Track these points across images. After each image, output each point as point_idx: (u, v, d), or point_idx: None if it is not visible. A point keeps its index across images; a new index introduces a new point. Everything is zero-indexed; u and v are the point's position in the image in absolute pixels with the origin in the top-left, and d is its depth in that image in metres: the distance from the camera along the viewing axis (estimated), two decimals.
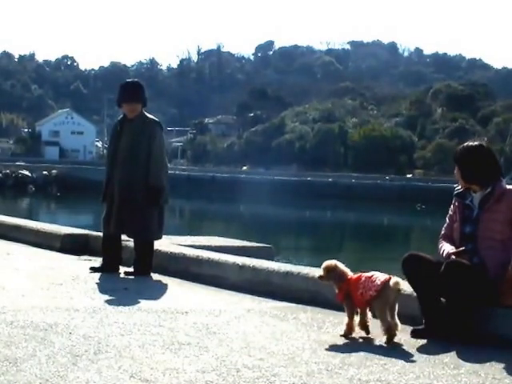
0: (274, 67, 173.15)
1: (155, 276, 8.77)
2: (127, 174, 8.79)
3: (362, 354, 5.52)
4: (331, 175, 73.11)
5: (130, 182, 8.77)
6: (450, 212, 6.39)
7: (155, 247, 8.98)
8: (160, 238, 9.03)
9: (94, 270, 8.84)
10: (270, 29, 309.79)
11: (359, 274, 6.01)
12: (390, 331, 5.81)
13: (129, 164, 8.80)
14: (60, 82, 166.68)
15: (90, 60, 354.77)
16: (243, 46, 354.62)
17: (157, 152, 8.83)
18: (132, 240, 8.99)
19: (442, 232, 6.39)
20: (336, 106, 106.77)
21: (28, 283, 7.94)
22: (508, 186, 6.14)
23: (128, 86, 9.02)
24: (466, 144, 6.38)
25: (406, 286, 6.38)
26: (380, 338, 5.92)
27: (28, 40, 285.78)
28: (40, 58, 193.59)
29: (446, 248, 6.18)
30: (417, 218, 49.85)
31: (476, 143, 6.35)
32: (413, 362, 5.37)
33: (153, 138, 8.82)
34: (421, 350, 5.71)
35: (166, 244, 9.51)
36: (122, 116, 9.11)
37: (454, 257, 6.02)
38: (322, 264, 6.13)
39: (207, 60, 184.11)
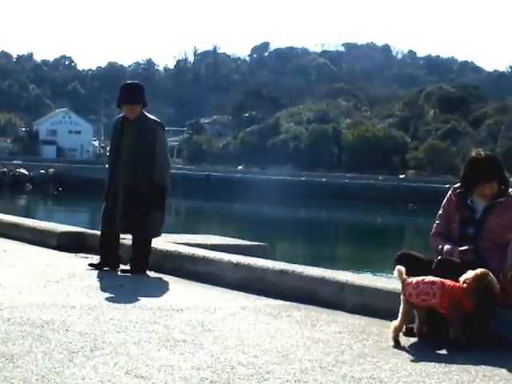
0: (269, 68, 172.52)
1: (151, 274, 8.80)
2: (131, 174, 8.83)
3: (355, 351, 5.58)
4: (325, 175, 73.11)
5: (136, 183, 8.81)
6: (443, 209, 6.43)
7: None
8: (160, 234, 9.11)
9: (92, 266, 8.87)
10: (265, 30, 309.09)
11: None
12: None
13: (132, 165, 8.85)
14: (58, 82, 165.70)
15: (87, 60, 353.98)
16: (239, 48, 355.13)
17: (160, 152, 8.91)
18: (129, 237, 9.03)
19: (436, 229, 6.41)
20: (330, 106, 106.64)
21: (25, 280, 7.95)
22: None
23: (128, 88, 9.07)
24: (490, 154, 6.40)
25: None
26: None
27: (26, 40, 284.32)
28: (38, 57, 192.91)
29: (447, 246, 6.21)
30: (409, 217, 49.92)
31: (491, 153, 6.47)
32: (405, 359, 5.42)
33: (155, 139, 8.90)
34: (413, 347, 5.76)
35: (162, 242, 9.54)
36: (122, 115, 9.15)
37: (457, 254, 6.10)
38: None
39: (203, 61, 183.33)
